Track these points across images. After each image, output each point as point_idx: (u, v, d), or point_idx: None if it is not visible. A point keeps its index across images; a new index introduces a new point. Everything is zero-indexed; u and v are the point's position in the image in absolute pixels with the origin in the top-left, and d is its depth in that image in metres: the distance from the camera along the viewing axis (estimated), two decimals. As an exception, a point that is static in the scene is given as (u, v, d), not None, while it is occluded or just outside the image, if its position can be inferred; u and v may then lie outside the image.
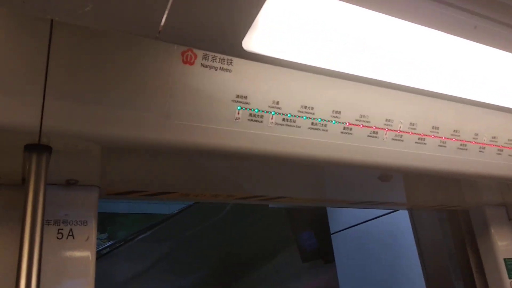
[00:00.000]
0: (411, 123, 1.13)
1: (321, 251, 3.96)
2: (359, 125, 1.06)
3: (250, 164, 1.15)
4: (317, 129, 1.02)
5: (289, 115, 0.98)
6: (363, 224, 2.93)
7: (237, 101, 0.92)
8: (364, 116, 1.07)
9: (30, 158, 0.81)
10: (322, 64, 0.92)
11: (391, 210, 2.61)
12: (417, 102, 1.13)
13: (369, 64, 0.97)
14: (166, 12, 0.62)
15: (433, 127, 1.17)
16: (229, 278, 4.42)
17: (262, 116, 0.95)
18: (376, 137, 1.09)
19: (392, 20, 0.82)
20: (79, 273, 1.00)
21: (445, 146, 1.20)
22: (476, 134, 1.25)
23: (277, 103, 0.96)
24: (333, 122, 1.03)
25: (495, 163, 1.31)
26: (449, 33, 0.82)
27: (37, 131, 0.76)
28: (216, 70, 0.88)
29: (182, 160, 1.06)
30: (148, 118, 0.84)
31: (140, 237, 4.56)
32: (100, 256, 4.51)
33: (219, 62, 0.88)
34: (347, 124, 1.05)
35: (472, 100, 1.16)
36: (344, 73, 0.97)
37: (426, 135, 1.16)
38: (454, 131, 1.21)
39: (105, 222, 9.47)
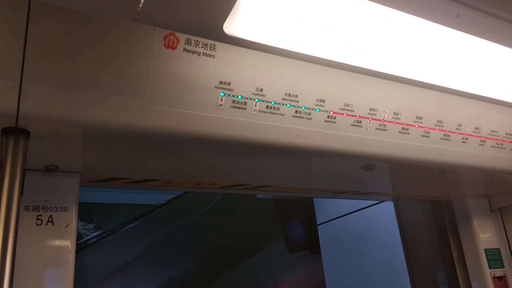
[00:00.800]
0: (395, 113, 1.13)
1: (307, 242, 3.99)
2: (343, 114, 1.06)
3: (234, 152, 1.14)
4: (301, 117, 1.01)
5: (273, 102, 0.97)
6: (349, 215, 2.95)
7: (220, 88, 0.91)
8: (348, 105, 1.06)
9: (7, 142, 0.79)
10: (306, 50, 0.92)
11: (377, 202, 2.63)
12: (402, 91, 1.13)
13: (354, 52, 0.97)
14: (145, -7, 0.61)
15: (417, 117, 1.17)
16: (217, 269, 4.44)
17: (245, 103, 0.94)
18: (360, 126, 1.09)
19: (377, 8, 0.82)
20: (59, 261, 0.99)
21: (428, 136, 1.21)
22: (460, 125, 1.26)
23: (261, 90, 0.95)
24: (317, 110, 1.03)
25: (478, 154, 1.32)
26: (432, 21, 0.82)
27: (14, 115, 0.75)
28: (199, 55, 0.87)
29: (164, 147, 1.05)
30: (129, 103, 0.83)
31: (127, 227, 4.54)
32: (86, 246, 4.49)
33: (202, 47, 0.87)
34: (331, 112, 1.05)
35: (456, 90, 1.16)
36: (329, 60, 0.96)
37: (410, 125, 1.17)
38: (437, 121, 1.21)
39: (93, 212, 9.43)
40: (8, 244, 0.70)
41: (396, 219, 2.39)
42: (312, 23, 0.87)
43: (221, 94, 0.91)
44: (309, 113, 1.02)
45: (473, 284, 1.72)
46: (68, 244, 1.01)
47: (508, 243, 1.78)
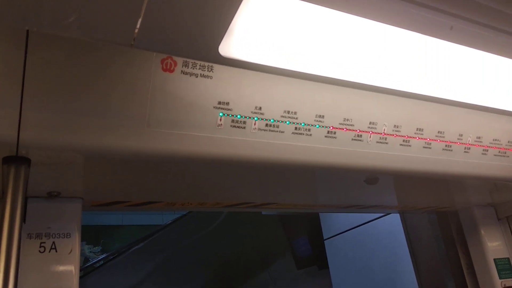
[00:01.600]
0: (395, 126, 1.13)
1: (315, 258, 3.95)
2: (343, 129, 1.06)
3: (236, 170, 1.14)
4: (300, 133, 1.01)
5: (272, 120, 0.98)
6: (355, 229, 2.92)
7: (219, 108, 0.91)
8: (347, 120, 1.07)
9: (8, 170, 0.80)
10: (303, 68, 0.92)
11: (383, 214, 2.61)
12: (401, 104, 1.13)
13: (351, 68, 0.97)
14: (140, 20, 0.62)
15: (417, 129, 1.17)
16: (225, 287, 4.39)
17: (245, 122, 0.94)
18: (360, 140, 1.09)
19: (372, 23, 0.83)
20: (63, 286, 0.98)
21: (430, 148, 1.20)
22: (461, 135, 1.25)
23: (260, 108, 0.96)
24: (317, 126, 1.03)
25: (481, 163, 1.31)
26: (426, 34, 0.82)
27: (15, 143, 0.75)
28: (196, 77, 0.88)
29: (165, 168, 1.06)
30: (128, 127, 0.83)
31: (133, 248, 4.51)
32: (93, 269, 4.46)
33: (199, 69, 0.88)
34: (331, 128, 1.05)
35: (455, 101, 1.16)
36: (326, 77, 0.97)
37: (411, 137, 1.16)
38: (438, 132, 1.21)
39: (99, 235, 9.40)
40: (10, 274, 0.70)
41: (403, 231, 2.37)
42: (308, 41, 0.87)
43: (220, 114, 0.91)
44: (309, 129, 1.02)
45: (484, 295, 1.69)
46: (71, 269, 1.00)
47: (517, 251, 1.76)
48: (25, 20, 0.64)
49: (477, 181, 1.52)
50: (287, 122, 0.99)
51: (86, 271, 4.41)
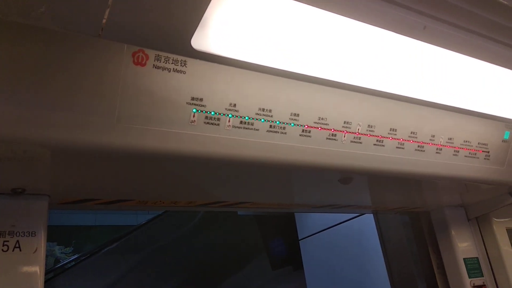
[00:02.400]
0: (369, 125, 1.14)
1: (290, 258, 3.95)
2: (318, 128, 1.06)
3: (210, 168, 1.13)
4: (275, 132, 1.00)
5: (246, 117, 0.96)
6: (330, 229, 2.94)
7: (192, 104, 0.89)
8: (322, 119, 1.06)
9: (-32, 165, 0.76)
10: (278, 65, 0.91)
11: (357, 215, 2.63)
12: (375, 104, 1.14)
13: (327, 66, 0.97)
14: (108, 9, 0.59)
15: (391, 129, 1.18)
16: (200, 289, 4.35)
17: (218, 119, 0.93)
18: (335, 139, 1.09)
19: (347, 22, 0.83)
20: (27, 288, 0.94)
21: (403, 148, 1.22)
22: (433, 136, 1.27)
23: (234, 105, 0.94)
24: (292, 124, 1.02)
25: (452, 163, 1.33)
26: (399, 33, 0.83)
27: (-25, 137, 0.72)
28: (169, 71, 0.86)
29: (137, 166, 1.03)
30: (97, 122, 0.81)
31: (106, 249, 4.42)
32: (64, 270, 4.35)
33: (172, 63, 0.85)
34: (306, 126, 1.04)
35: (428, 102, 1.18)
36: (302, 74, 0.96)
37: (384, 137, 1.17)
38: (411, 132, 1.22)
39: (70, 235, 9.18)
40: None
41: (376, 232, 2.40)
42: (284, 38, 0.87)
43: (194, 110, 0.90)
44: (284, 128, 1.01)
45: (454, 294, 1.73)
46: (36, 270, 0.96)
47: (486, 251, 1.80)
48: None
49: (448, 182, 1.55)
50: (262, 120, 0.98)
51: (56, 272, 4.29)
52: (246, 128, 0.96)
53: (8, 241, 0.95)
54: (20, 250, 0.95)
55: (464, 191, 1.76)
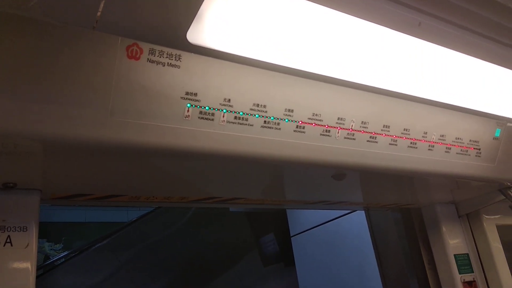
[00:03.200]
0: (362, 122, 1.14)
1: (282, 255, 3.96)
2: (312, 124, 1.06)
3: (203, 164, 1.12)
4: (270, 127, 1.00)
5: (241, 113, 0.96)
6: (322, 225, 2.95)
7: (187, 98, 0.89)
8: (316, 115, 1.06)
9: (-42, 158, 0.75)
10: (274, 60, 0.91)
11: (349, 212, 2.64)
12: (369, 100, 1.14)
13: (321, 61, 0.97)
14: (103, 2, 0.59)
15: (384, 126, 1.19)
16: (191, 286, 4.33)
17: (213, 114, 0.92)
18: (328, 135, 1.09)
19: (341, 16, 0.83)
20: (19, 284, 0.93)
21: (396, 145, 1.22)
22: (425, 133, 1.28)
23: (229, 100, 0.94)
24: (286, 120, 1.02)
25: (444, 160, 1.34)
26: (394, 30, 0.83)
27: (-35, 129, 0.71)
28: (163, 65, 0.85)
29: (130, 160, 1.02)
30: (90, 116, 0.80)
31: (96, 246, 4.39)
32: (54, 267, 4.31)
33: (166, 57, 0.85)
34: (300, 122, 1.04)
35: (421, 98, 1.18)
36: (297, 69, 0.96)
37: (378, 134, 1.18)
38: (404, 129, 1.23)
39: (61, 232, 9.11)
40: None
41: (368, 228, 2.41)
42: (279, 33, 0.87)
43: (188, 105, 0.89)
44: (278, 123, 1.01)
45: (444, 290, 1.74)
46: (28, 266, 0.95)
47: (476, 247, 1.82)
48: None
49: (439, 179, 1.56)
50: (256, 115, 0.98)
51: (46, 269, 4.25)
52: (241, 124, 0.96)
53: (-1, 236, 0.94)
54: (12, 245, 0.94)
55: (455, 188, 1.77)
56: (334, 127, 1.10)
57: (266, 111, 0.99)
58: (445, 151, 1.34)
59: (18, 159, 0.89)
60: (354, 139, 1.14)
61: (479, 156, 1.43)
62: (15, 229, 0.96)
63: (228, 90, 0.93)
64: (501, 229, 1.84)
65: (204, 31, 0.75)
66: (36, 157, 0.90)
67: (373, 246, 2.35)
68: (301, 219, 3.24)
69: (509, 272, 1.76)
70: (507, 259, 1.79)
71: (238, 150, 0.98)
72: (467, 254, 1.78)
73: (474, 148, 1.42)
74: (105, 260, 4.23)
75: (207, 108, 0.91)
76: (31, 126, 0.76)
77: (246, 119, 0.97)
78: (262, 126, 0.99)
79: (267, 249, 4.20)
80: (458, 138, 1.37)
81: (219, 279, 4.43)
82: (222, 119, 0.94)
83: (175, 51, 0.84)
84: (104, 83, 0.80)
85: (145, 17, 0.64)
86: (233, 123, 0.95)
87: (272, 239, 4.13)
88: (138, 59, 0.82)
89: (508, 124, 1.48)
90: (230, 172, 1.22)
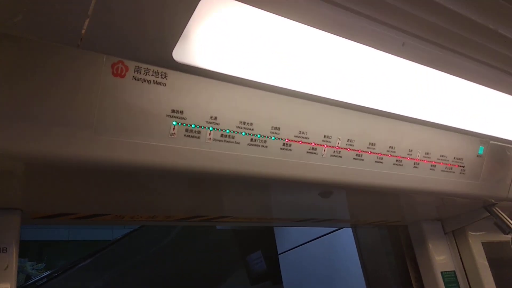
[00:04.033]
0: (348, 140, 1.15)
1: (269, 273, 3.92)
2: (299, 141, 1.06)
3: (189, 182, 1.11)
4: (256, 145, 1.00)
5: (227, 131, 0.96)
6: (309, 243, 2.94)
7: (173, 116, 0.88)
8: (303, 132, 1.07)
9: None
10: (260, 78, 0.92)
11: (336, 229, 2.64)
12: (355, 118, 1.15)
13: (307, 80, 0.98)
14: (88, 19, 0.58)
15: (370, 144, 1.19)
16: (177, 305, 4.25)
17: (199, 132, 0.92)
18: (315, 153, 1.09)
19: (329, 37, 0.84)
20: (-3, 307, 0.90)
21: (381, 162, 1.23)
22: (411, 150, 1.29)
23: (215, 118, 0.94)
24: (273, 138, 1.02)
25: (429, 178, 1.35)
26: (379, 49, 0.84)
27: None
28: (149, 83, 0.84)
29: (114, 179, 1.00)
30: (74, 134, 0.79)
31: (80, 265, 4.29)
32: (36, 287, 4.19)
33: (152, 75, 0.84)
34: (287, 140, 1.04)
35: (406, 117, 1.20)
36: (283, 88, 0.97)
37: (364, 151, 1.18)
38: (390, 147, 1.24)
39: (43, 251, 8.90)
40: None
41: (355, 245, 2.40)
42: (265, 51, 0.87)
43: (174, 122, 0.88)
44: (265, 141, 1.01)
45: (432, 308, 1.74)
46: (7, 287, 0.92)
47: (463, 264, 1.82)
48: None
49: (425, 196, 1.57)
50: (243, 133, 0.98)
51: (27, 290, 4.14)
52: (227, 141, 0.96)
53: (-24, 257, 0.91)
54: (-10, 267, 0.91)
55: (441, 205, 1.79)
56: (321, 145, 1.10)
57: (252, 129, 0.99)
58: (430, 169, 1.36)
59: (-2, 178, 0.87)
60: (340, 156, 1.14)
61: (463, 174, 1.45)
62: (-6, 250, 0.93)
63: (214, 108, 0.93)
64: (486, 245, 1.86)
65: (190, 50, 0.75)
66: (16, 176, 0.88)
67: (361, 263, 2.34)
68: (289, 236, 3.22)
69: (495, 289, 1.77)
70: (493, 276, 1.79)
71: (225, 168, 0.97)
72: (454, 271, 1.78)
73: (458, 166, 1.43)
74: (90, 280, 4.13)
75: (193, 126, 0.91)
76: (11, 145, 0.74)
77: (233, 137, 0.96)
78: (248, 144, 0.99)
79: (254, 267, 4.15)
80: (443, 156, 1.38)
81: (206, 297, 4.35)
82: (208, 137, 0.93)
83: (161, 69, 0.84)
84: (89, 100, 0.79)
85: (131, 35, 0.63)
86: (220, 141, 0.95)
87: (259, 256, 4.09)
88: (123, 76, 0.81)
89: (491, 142, 1.50)
90: (216, 190, 1.21)
